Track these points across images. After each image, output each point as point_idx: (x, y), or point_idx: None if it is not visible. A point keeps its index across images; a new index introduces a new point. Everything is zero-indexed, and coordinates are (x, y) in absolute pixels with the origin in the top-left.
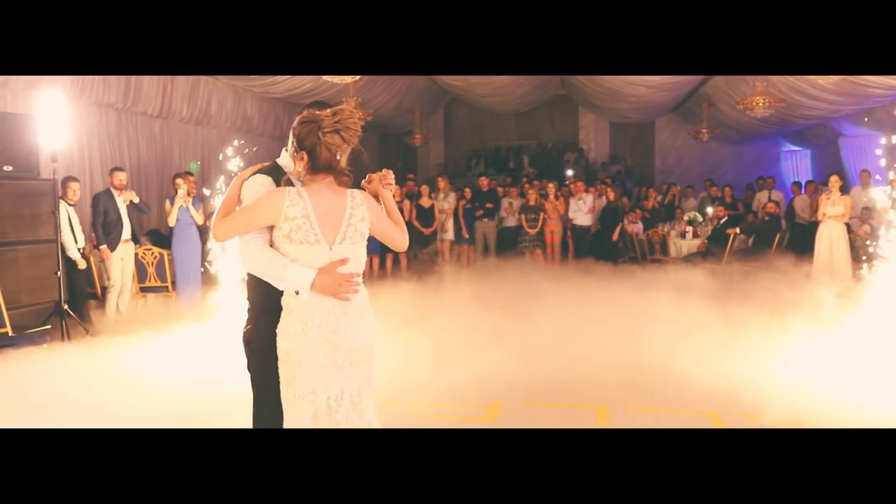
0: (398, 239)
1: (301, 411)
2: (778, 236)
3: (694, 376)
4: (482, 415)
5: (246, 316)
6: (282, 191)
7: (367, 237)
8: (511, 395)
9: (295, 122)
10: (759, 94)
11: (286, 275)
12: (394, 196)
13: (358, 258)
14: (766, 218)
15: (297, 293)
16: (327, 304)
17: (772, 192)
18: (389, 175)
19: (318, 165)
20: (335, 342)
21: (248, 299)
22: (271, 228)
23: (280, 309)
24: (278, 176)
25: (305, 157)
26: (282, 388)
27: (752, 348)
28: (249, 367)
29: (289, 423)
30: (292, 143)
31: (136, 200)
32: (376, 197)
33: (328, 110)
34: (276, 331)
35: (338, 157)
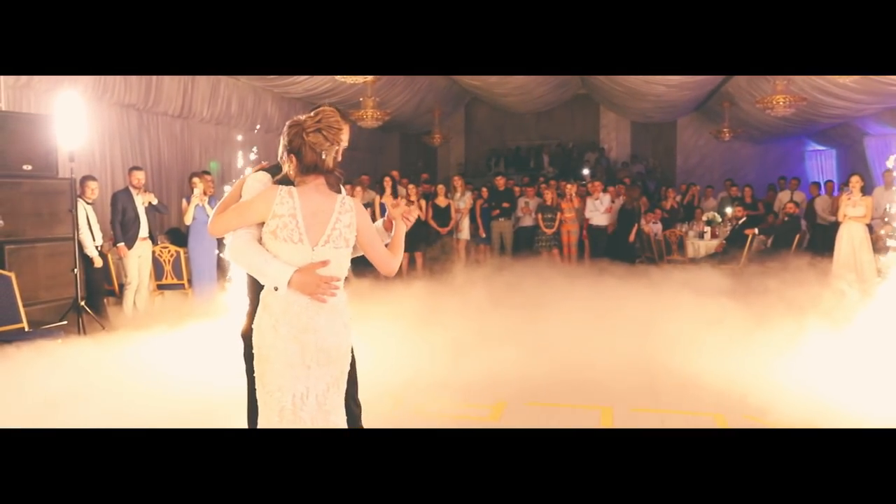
0: (384, 259)
1: (270, 407)
2: (797, 237)
3: (704, 378)
4: (486, 414)
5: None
6: (274, 188)
7: (352, 244)
8: (518, 395)
9: (284, 128)
10: (779, 93)
11: (267, 270)
12: (410, 196)
13: (339, 263)
14: (786, 218)
15: (276, 289)
16: (301, 302)
17: (794, 193)
18: (413, 213)
19: (306, 166)
20: (304, 341)
21: (247, 295)
22: (262, 225)
23: None
24: (276, 174)
25: (294, 159)
26: (256, 383)
27: (765, 350)
28: (245, 359)
29: (262, 418)
30: (283, 147)
31: (155, 202)
32: (391, 221)
33: (311, 112)
34: (253, 326)
35: (323, 157)
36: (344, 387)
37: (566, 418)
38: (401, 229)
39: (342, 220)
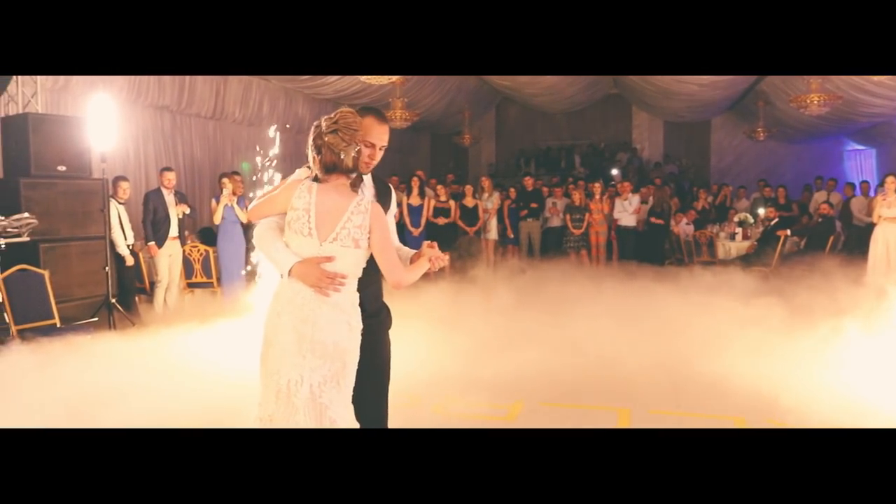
0: (394, 268)
1: (269, 388)
2: (832, 239)
3: (731, 381)
4: (503, 414)
5: None
6: (297, 182)
7: (363, 246)
8: (538, 395)
9: (311, 129)
10: (814, 92)
11: (276, 256)
12: (440, 195)
13: (347, 262)
14: (820, 220)
15: (280, 276)
16: (305, 294)
17: (831, 194)
18: (443, 261)
19: (325, 166)
20: (301, 331)
21: None
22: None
23: None
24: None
25: (316, 158)
26: (259, 364)
27: (791, 354)
28: None
29: (262, 397)
30: (310, 147)
31: (188, 212)
32: (418, 255)
33: (332, 114)
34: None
35: (341, 157)
36: (348, 383)
37: (583, 419)
38: (424, 264)
39: (353, 221)
